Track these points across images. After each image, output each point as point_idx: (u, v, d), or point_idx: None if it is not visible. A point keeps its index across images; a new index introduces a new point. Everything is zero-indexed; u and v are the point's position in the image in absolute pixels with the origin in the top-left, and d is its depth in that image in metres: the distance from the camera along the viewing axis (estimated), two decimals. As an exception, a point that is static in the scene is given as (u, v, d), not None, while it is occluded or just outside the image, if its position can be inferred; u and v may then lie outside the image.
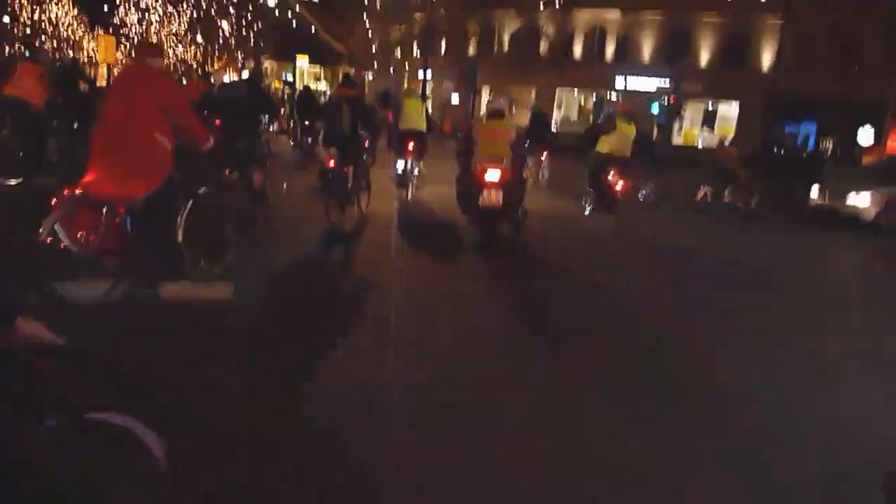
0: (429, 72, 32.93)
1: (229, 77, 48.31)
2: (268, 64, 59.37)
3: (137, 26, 68.13)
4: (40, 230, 4.23)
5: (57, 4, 60.23)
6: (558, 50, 35.18)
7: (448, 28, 35.52)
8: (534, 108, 15.10)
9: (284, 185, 10.43)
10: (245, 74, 58.78)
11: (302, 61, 54.65)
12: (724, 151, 15.52)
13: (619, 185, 9.94)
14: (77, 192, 4.45)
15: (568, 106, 38.00)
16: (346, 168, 8.16)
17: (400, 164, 11.59)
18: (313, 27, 31.47)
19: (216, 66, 62.83)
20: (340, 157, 8.04)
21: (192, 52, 68.69)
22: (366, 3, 32.37)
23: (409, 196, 11.03)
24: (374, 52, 30.77)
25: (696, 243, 9.87)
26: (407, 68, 35.28)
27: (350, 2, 32.07)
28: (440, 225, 8.95)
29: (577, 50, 36.15)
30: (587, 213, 10.58)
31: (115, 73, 19.66)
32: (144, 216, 4.65)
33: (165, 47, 65.99)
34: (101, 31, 72.40)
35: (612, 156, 9.87)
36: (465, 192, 7.58)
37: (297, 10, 31.65)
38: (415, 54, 36.37)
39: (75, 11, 51.41)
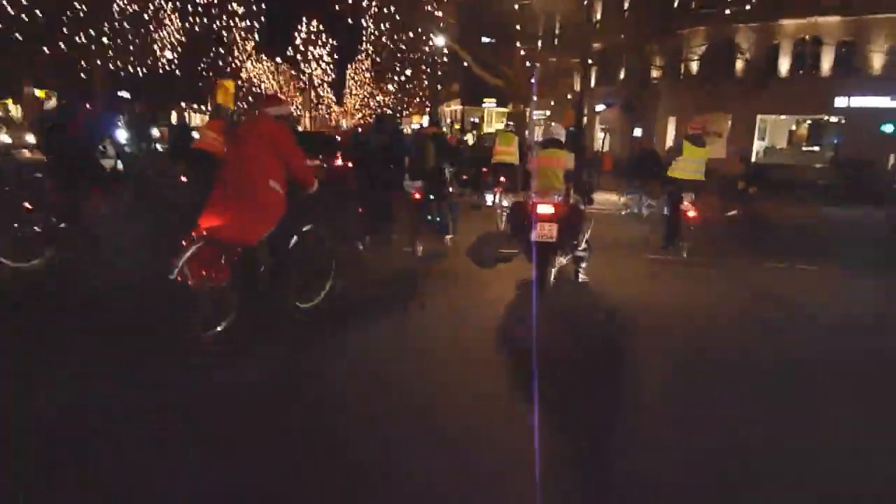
0: (599, 107, 29.49)
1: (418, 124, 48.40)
2: (453, 109, 59.06)
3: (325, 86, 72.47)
4: (173, 269, 4.54)
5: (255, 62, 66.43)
6: (759, 69, 29.72)
7: (625, 52, 31.66)
8: (635, 143, 16.08)
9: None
10: (425, 121, 59.43)
11: (489, 103, 53.33)
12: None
13: (692, 213, 9.62)
14: (201, 233, 4.82)
15: (773, 133, 32.06)
16: (431, 201, 9.10)
17: (489, 197, 12.79)
18: (465, 62, 29.70)
19: (407, 112, 64.58)
20: (426, 191, 8.95)
21: (383, 99, 72.16)
22: (518, 28, 29.63)
23: (501, 226, 11.09)
24: (531, 83, 27.88)
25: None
26: (571, 97, 31.98)
27: (503, 33, 29.61)
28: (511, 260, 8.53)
29: (783, 67, 30.34)
30: (663, 245, 10.09)
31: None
32: (259, 256, 5.12)
33: (288, 96, 69.92)
34: (290, 86, 77.44)
35: (683, 181, 9.62)
36: (517, 224, 7.25)
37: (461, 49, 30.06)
38: (574, 84, 33.10)
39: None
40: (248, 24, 59.82)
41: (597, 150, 30.58)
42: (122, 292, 5.98)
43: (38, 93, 44.27)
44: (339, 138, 19.81)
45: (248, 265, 5.06)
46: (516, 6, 28.30)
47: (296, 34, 75.51)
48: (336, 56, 78.75)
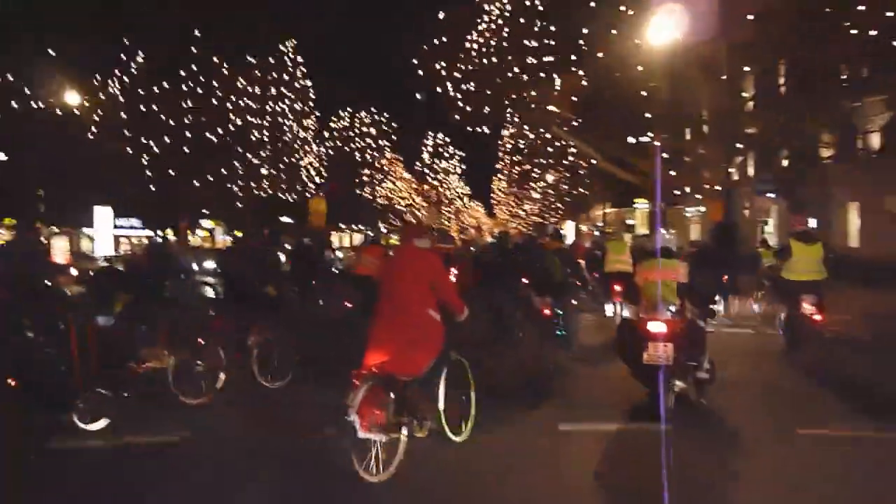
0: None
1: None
2: (604, 212, 55.72)
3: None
4: (350, 412, 4.67)
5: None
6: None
7: (784, 135, 26.82)
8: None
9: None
10: (569, 228, 56.99)
11: (641, 204, 49.18)
12: None
13: (817, 317, 8.68)
14: (371, 370, 4.95)
15: None
16: (559, 316, 9.47)
17: (609, 308, 13.02)
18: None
19: (555, 219, 62.04)
20: (553, 306, 9.29)
21: (531, 207, 71.01)
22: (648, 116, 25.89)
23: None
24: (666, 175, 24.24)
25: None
26: (720, 189, 27.31)
27: (632, 123, 26.04)
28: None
29: None
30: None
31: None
32: (420, 387, 5.29)
33: (433, 225, 69.26)
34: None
35: (797, 283, 8.83)
36: (625, 345, 6.71)
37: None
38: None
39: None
40: (380, 143, 62.33)
41: (756, 246, 25.75)
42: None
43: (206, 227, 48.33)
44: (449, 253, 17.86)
45: (415, 396, 5.19)
46: (643, 92, 25.00)
47: (423, 148, 77.31)
48: (465, 166, 79.87)
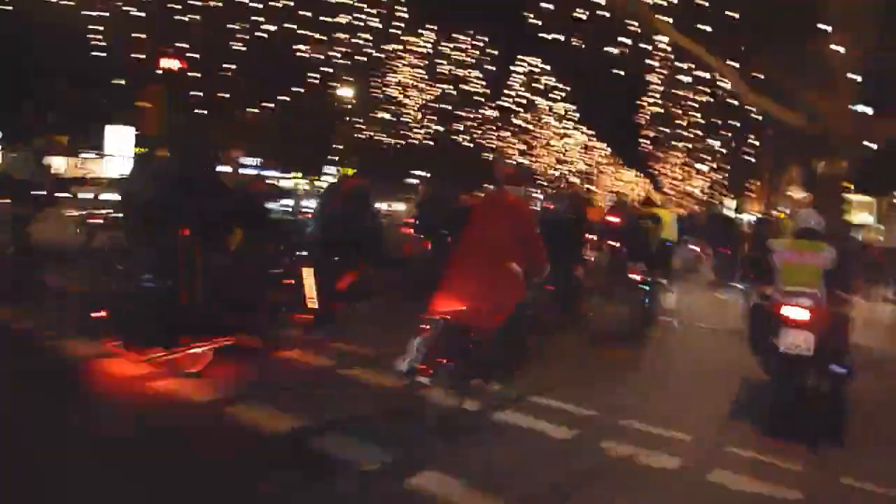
0: None
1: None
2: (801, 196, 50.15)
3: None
4: (406, 357, 4.54)
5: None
6: None
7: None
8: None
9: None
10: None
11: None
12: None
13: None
14: (444, 318, 4.70)
15: None
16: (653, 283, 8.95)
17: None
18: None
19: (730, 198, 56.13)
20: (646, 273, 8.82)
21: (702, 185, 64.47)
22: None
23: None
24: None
25: None
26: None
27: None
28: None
29: None
30: None
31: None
32: (496, 341, 5.01)
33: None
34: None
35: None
36: (759, 330, 6.07)
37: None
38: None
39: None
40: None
41: None
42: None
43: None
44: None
45: (488, 350, 4.98)
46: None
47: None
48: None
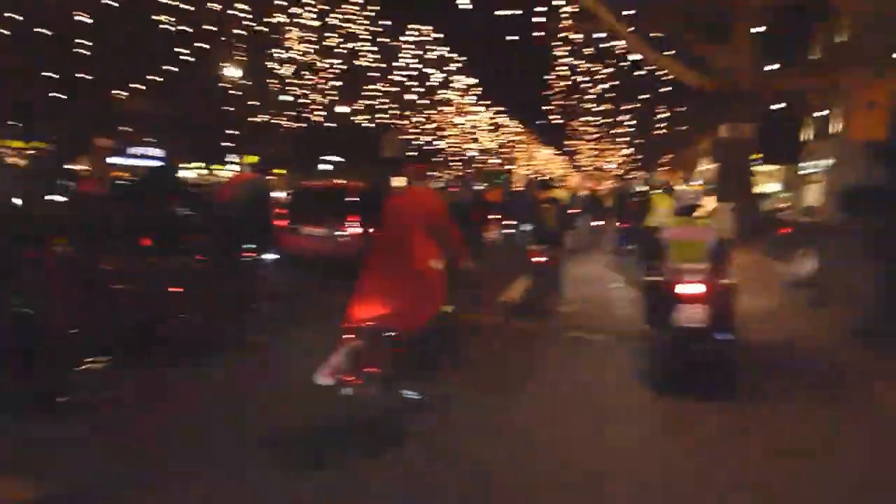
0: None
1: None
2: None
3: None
4: (329, 369, 4.42)
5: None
6: None
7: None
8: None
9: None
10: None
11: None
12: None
13: None
14: (367, 325, 4.61)
15: None
16: (551, 263, 9.35)
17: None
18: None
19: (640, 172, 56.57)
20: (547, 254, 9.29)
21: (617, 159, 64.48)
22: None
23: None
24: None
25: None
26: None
27: None
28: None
29: None
30: None
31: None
32: (423, 343, 4.93)
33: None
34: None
35: None
36: (653, 306, 6.40)
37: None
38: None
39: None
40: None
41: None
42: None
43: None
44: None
45: (414, 353, 4.85)
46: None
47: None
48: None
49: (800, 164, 33.87)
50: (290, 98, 41.10)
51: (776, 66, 17.22)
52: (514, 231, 14.62)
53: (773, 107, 19.12)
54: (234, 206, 7.49)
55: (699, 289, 6.01)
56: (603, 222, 18.08)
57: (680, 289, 6.03)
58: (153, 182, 8.64)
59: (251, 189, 7.91)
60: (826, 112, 27.30)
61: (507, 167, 77.94)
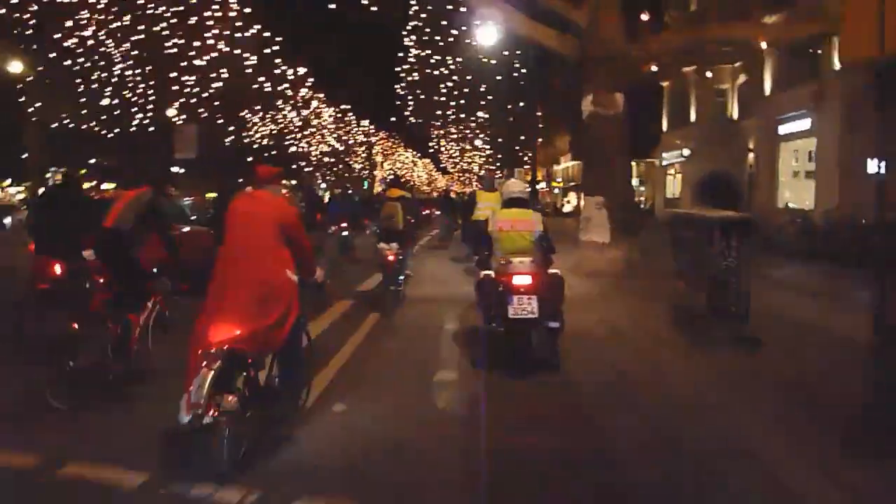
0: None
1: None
2: (567, 165, 51.85)
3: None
4: (196, 400, 3.91)
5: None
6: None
7: None
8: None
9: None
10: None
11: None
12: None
13: None
14: (222, 348, 4.13)
15: None
16: (396, 257, 9.83)
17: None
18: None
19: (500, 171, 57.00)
20: (398, 253, 9.85)
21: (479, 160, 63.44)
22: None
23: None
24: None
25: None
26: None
27: None
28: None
29: None
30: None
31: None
32: (281, 360, 4.71)
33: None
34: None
35: None
36: (487, 299, 6.60)
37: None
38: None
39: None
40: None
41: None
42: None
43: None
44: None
45: (273, 373, 4.71)
46: None
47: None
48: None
49: (663, 154, 37.02)
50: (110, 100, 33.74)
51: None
52: (346, 233, 16.12)
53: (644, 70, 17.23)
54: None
55: (528, 280, 6.36)
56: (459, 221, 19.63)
57: (512, 280, 6.37)
58: None
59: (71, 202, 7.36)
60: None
61: (368, 172, 74.45)
